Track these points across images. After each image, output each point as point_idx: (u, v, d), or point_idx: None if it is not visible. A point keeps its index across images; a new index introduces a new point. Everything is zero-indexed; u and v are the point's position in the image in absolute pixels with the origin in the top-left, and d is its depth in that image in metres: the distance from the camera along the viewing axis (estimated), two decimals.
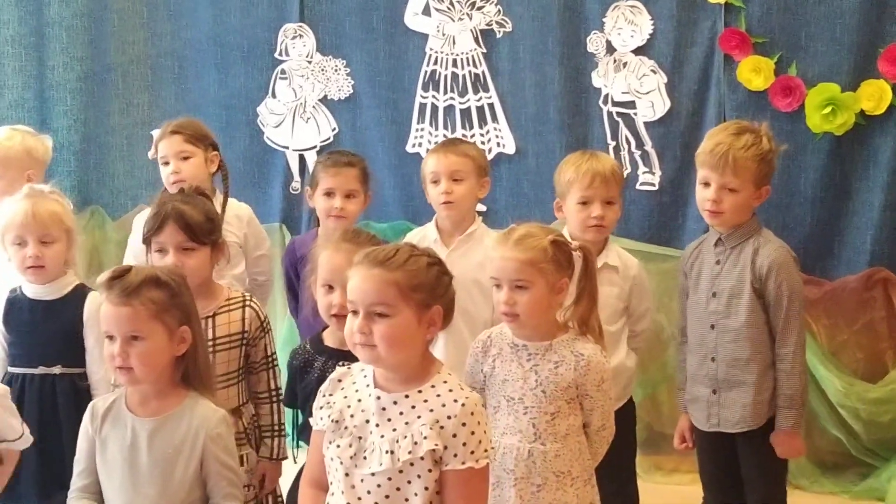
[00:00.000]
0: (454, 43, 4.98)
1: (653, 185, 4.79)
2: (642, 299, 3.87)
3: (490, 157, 4.96)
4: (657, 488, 4.71)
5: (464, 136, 4.97)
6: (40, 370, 3.46)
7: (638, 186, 4.81)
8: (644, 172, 4.80)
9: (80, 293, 3.50)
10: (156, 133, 4.28)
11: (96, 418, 2.84)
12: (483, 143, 4.96)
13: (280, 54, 5.24)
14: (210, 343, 3.32)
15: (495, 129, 4.99)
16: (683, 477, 4.76)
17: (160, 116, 5.11)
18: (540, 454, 3.09)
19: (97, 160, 5.51)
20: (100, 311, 2.79)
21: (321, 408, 2.67)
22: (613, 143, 4.81)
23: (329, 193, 4.08)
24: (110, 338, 2.76)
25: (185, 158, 4.13)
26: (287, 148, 5.28)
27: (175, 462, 2.78)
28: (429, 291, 2.58)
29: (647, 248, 4.78)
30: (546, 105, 4.90)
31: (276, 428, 3.45)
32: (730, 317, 3.60)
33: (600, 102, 4.82)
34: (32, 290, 3.52)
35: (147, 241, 3.39)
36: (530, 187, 4.97)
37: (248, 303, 3.42)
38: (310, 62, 5.19)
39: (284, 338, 5.05)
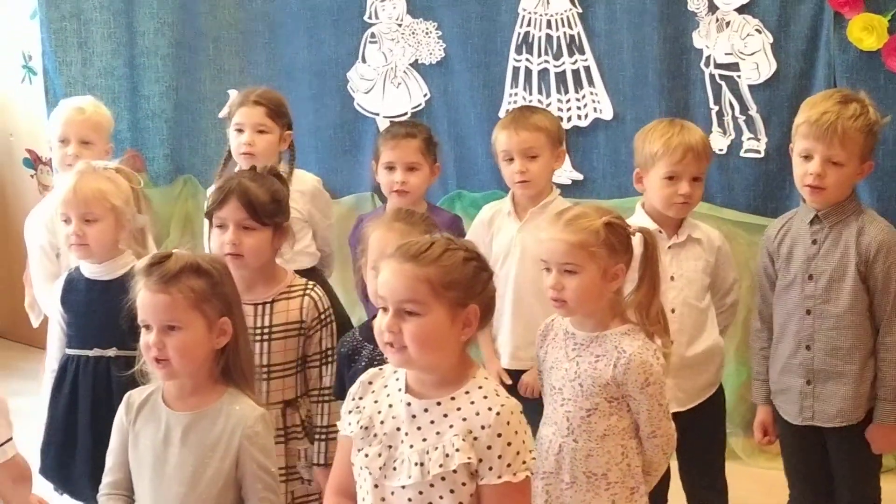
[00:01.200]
0: (548, 3, 4.73)
1: (758, 152, 4.48)
2: (729, 271, 3.61)
3: (586, 122, 4.75)
4: (760, 474, 4.43)
5: (559, 100, 4.75)
6: (95, 352, 3.37)
7: (742, 153, 4.50)
8: (749, 139, 4.49)
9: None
10: (233, 93, 4.15)
11: (131, 410, 2.72)
12: (579, 108, 4.73)
13: (370, 17, 5.07)
14: (266, 330, 3.19)
15: (591, 93, 4.74)
16: None
17: (252, 82, 4.98)
18: (570, 451, 2.89)
19: (189, 128, 5.44)
20: (138, 298, 2.65)
21: (350, 412, 2.50)
22: (716, 108, 4.51)
23: (390, 167, 3.90)
24: (146, 327, 2.62)
25: (262, 132, 4.02)
26: (378, 115, 5.11)
27: (208, 460, 2.62)
28: (464, 289, 2.38)
29: (751, 219, 4.49)
30: (644, 68, 4.62)
31: (325, 430, 3.25)
32: (829, 302, 3.30)
33: (702, 64, 4.51)
34: (89, 270, 3.44)
35: (209, 215, 3.27)
36: (629, 154, 4.62)
37: (308, 292, 3.25)
38: (400, 25, 5.01)
39: (362, 316, 4.90)
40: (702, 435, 3.48)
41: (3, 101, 5.85)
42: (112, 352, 3.36)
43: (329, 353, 3.27)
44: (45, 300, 4.15)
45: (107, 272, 3.42)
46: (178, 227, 5.39)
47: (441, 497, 2.34)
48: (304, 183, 4.13)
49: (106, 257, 3.41)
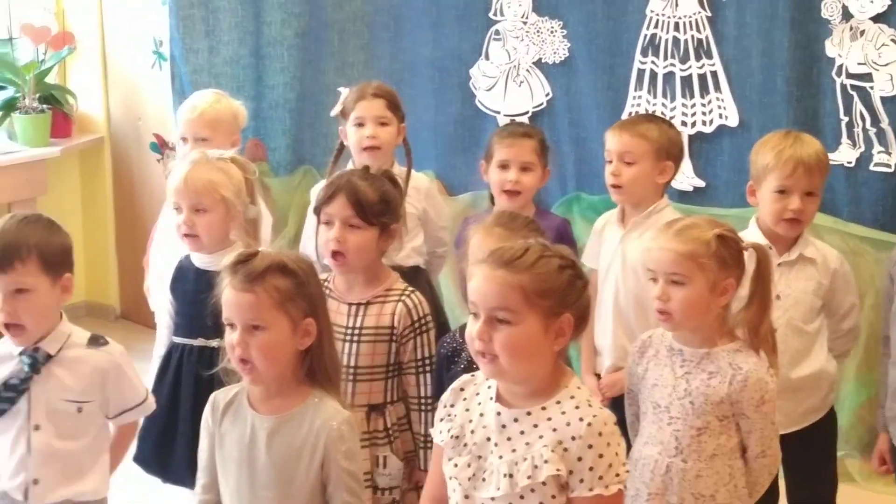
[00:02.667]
0: (677, 5, 4.61)
1: (888, 166, 4.31)
2: (847, 295, 3.47)
3: (711, 128, 4.61)
4: (876, 498, 4.28)
5: (684, 105, 4.64)
6: (199, 342, 3.40)
7: (871, 167, 4.32)
8: (879, 152, 4.31)
9: None
10: (344, 91, 4.14)
11: (217, 411, 2.70)
12: (704, 113, 4.61)
13: (495, 14, 5.00)
14: (357, 331, 3.17)
15: (718, 99, 4.61)
16: None
17: (374, 76, 4.98)
18: (678, 471, 2.81)
19: (311, 119, 5.45)
20: (222, 296, 2.63)
21: (441, 420, 2.46)
22: (846, 119, 4.35)
23: (504, 166, 3.84)
24: (231, 325, 2.60)
25: (383, 124, 3.99)
26: (499, 113, 5.05)
27: (295, 465, 2.59)
28: (559, 298, 2.32)
29: (878, 235, 4.31)
30: (773, 75, 4.47)
31: (419, 439, 3.23)
32: None
33: (833, 74, 4.35)
34: (199, 260, 3.47)
35: (317, 210, 3.26)
36: None
37: (403, 298, 3.21)
38: (525, 23, 4.94)
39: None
40: (806, 462, 3.37)
41: (133, 85, 5.94)
42: (217, 342, 3.32)
43: (427, 361, 3.22)
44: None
45: (216, 263, 3.36)
46: (297, 217, 5.39)
47: None
48: (418, 181, 4.11)
49: (216, 248, 3.41)
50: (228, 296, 2.60)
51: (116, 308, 6.26)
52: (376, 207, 3.20)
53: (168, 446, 3.39)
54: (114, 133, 6.09)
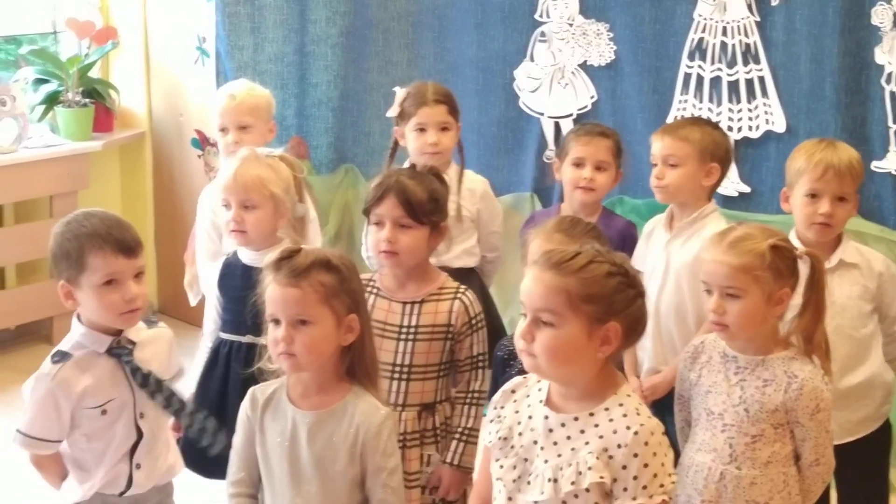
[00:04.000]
0: (725, 10, 4.59)
1: None
2: None
3: (757, 134, 4.60)
4: None
5: (730, 110, 4.62)
6: (248, 339, 3.39)
7: None
8: None
9: None
10: (399, 91, 4.14)
11: (256, 406, 2.71)
12: (751, 119, 4.59)
13: (541, 15, 4.99)
14: (412, 329, 3.17)
15: (765, 104, 4.59)
16: None
17: (418, 76, 4.99)
18: (733, 479, 2.80)
19: (354, 118, 5.44)
20: (266, 292, 2.64)
21: (491, 421, 2.46)
22: (894, 127, 4.32)
23: (578, 164, 3.85)
24: (275, 321, 2.61)
25: (445, 129, 4.00)
26: (542, 114, 5.04)
27: (335, 459, 2.61)
28: (605, 304, 2.31)
29: None
30: (822, 81, 4.45)
31: (465, 432, 3.22)
32: None
33: (882, 81, 4.32)
34: (247, 257, 3.48)
35: (367, 212, 3.26)
36: None
37: (458, 295, 3.22)
38: (571, 25, 4.92)
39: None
40: (858, 474, 3.34)
41: (176, 81, 5.95)
42: (264, 339, 3.36)
43: (480, 357, 3.23)
44: (206, 279, 4.21)
45: (263, 260, 3.41)
46: (337, 216, 5.41)
47: None
48: (474, 182, 4.10)
49: (264, 245, 3.42)
50: (273, 292, 2.61)
51: (154, 303, 6.27)
52: (426, 206, 3.20)
53: (216, 441, 3.38)
54: (155, 128, 6.11)
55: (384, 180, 3.25)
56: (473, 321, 3.21)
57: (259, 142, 4.12)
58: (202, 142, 5.85)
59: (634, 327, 2.37)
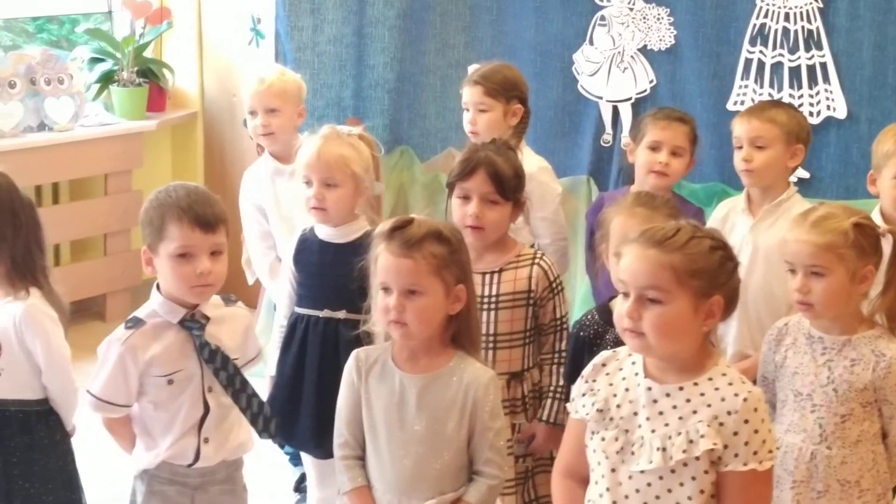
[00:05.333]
0: None
1: None
2: None
3: (818, 120, 4.61)
4: None
5: (791, 95, 4.63)
6: (325, 313, 3.42)
7: None
8: None
9: (368, 241, 3.42)
10: (471, 68, 4.17)
11: (361, 369, 2.75)
12: (811, 104, 4.60)
13: (601, 0, 5.01)
14: (493, 299, 3.20)
15: (826, 90, 4.61)
16: None
17: (475, 59, 5.00)
18: (824, 458, 2.82)
19: (410, 100, 5.47)
20: (377, 261, 2.68)
21: (583, 394, 2.48)
22: None
23: (654, 147, 3.84)
24: (386, 290, 2.65)
25: (482, 111, 4.01)
26: (601, 98, 5.07)
27: (445, 421, 2.65)
28: (709, 278, 2.33)
29: None
30: (885, 67, 4.48)
31: (557, 391, 3.26)
32: None
33: None
34: (323, 233, 3.50)
35: (451, 186, 3.30)
36: (860, 156, 4.55)
37: (537, 260, 3.27)
38: (631, 9, 4.95)
39: (583, 297, 4.87)
40: None
41: (229, 62, 5.97)
42: (342, 314, 3.40)
43: (562, 319, 3.29)
44: (257, 259, 4.24)
45: (341, 236, 3.46)
46: (392, 197, 5.43)
47: (681, 484, 2.31)
48: (530, 165, 4.08)
49: (342, 222, 3.45)
50: (386, 261, 2.64)
51: None
52: (512, 182, 3.26)
53: (293, 415, 3.42)
54: (207, 108, 6.13)
55: (472, 155, 3.28)
56: (554, 284, 3.26)
57: (287, 126, 4.20)
58: None
59: (733, 299, 2.40)
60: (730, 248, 2.41)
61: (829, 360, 2.84)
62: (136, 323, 2.88)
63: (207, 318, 2.91)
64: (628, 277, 2.36)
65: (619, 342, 2.91)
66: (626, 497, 2.35)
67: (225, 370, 2.90)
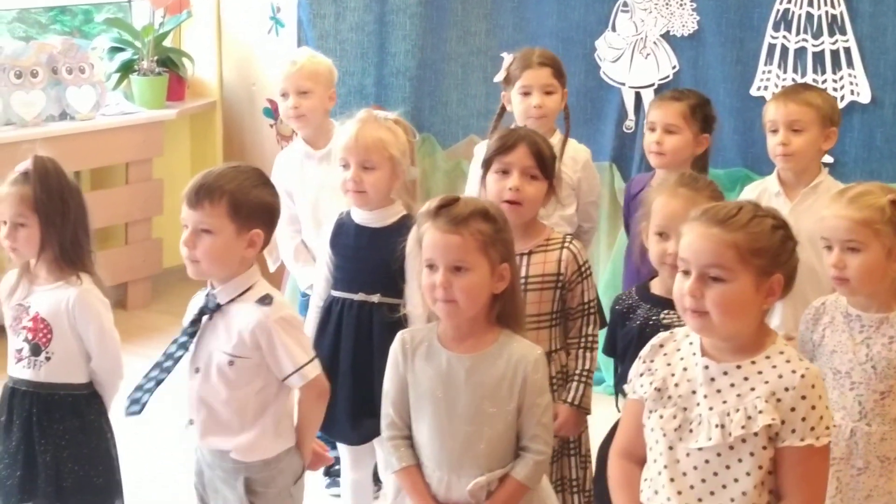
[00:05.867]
0: None
1: None
2: None
3: (841, 105, 4.59)
4: None
5: (814, 80, 4.64)
6: (360, 296, 3.44)
7: None
8: None
9: (405, 224, 3.43)
10: (507, 56, 4.17)
11: (406, 350, 2.77)
12: (835, 89, 4.61)
13: None
14: (522, 281, 3.21)
15: (850, 75, 4.62)
16: None
17: (496, 46, 5.04)
18: (864, 435, 2.86)
19: (431, 87, 5.47)
20: (422, 239, 2.69)
21: (641, 374, 2.50)
22: None
23: (651, 128, 3.90)
24: (431, 267, 2.67)
25: (549, 93, 4.04)
26: (623, 84, 5.08)
27: (493, 398, 2.67)
28: (771, 257, 2.35)
29: None
30: None
31: (583, 375, 3.30)
32: None
33: None
34: (360, 217, 3.51)
35: (488, 162, 3.33)
36: (884, 141, 4.58)
37: (566, 244, 3.30)
38: None
39: (607, 282, 4.89)
40: None
41: (249, 51, 5.99)
42: (377, 297, 3.43)
43: (591, 304, 3.32)
44: (283, 242, 4.27)
45: (377, 220, 3.48)
46: None
47: (740, 460, 2.33)
48: (577, 151, 4.12)
49: (379, 205, 3.47)
50: (433, 237, 2.66)
51: None
52: (550, 162, 3.31)
53: (330, 401, 3.42)
54: (226, 97, 6.15)
55: (511, 132, 3.33)
56: (582, 269, 3.29)
57: (318, 108, 4.23)
58: (275, 111, 5.87)
59: (792, 278, 2.41)
60: (790, 228, 2.42)
61: (867, 337, 2.87)
62: None
63: (218, 305, 2.89)
64: (690, 256, 2.37)
65: (648, 318, 2.99)
66: (685, 474, 2.37)
67: (177, 343, 2.91)
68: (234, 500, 2.91)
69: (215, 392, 2.89)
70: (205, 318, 2.90)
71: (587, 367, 3.30)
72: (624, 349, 3.08)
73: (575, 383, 3.30)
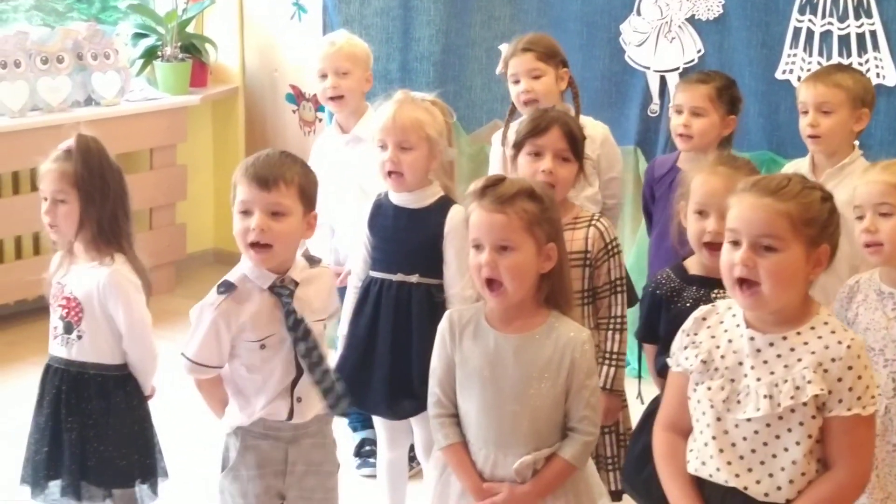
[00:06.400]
0: None
1: None
2: None
3: None
4: None
5: (840, 63, 4.66)
6: (398, 277, 3.46)
7: None
8: None
9: (443, 205, 3.47)
10: (504, 48, 4.21)
11: (454, 330, 2.78)
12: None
13: None
14: None
15: (876, 58, 4.63)
16: None
17: (521, 31, 5.00)
18: None
19: (456, 72, 5.49)
20: (469, 219, 2.71)
21: (685, 347, 2.52)
22: None
23: (678, 111, 3.94)
24: (477, 247, 2.68)
25: (537, 77, 4.05)
26: (648, 68, 5.09)
27: (542, 379, 2.68)
28: (821, 228, 2.39)
29: None
30: None
31: (615, 357, 3.32)
32: None
33: None
34: (397, 198, 3.53)
35: (520, 144, 3.35)
36: None
37: (594, 222, 3.34)
38: None
39: (631, 265, 4.91)
40: None
41: (271, 37, 6.02)
42: (415, 278, 3.45)
43: (619, 282, 3.35)
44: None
45: (415, 201, 3.50)
46: None
47: (789, 430, 2.36)
48: (594, 128, 4.13)
49: (417, 186, 3.49)
50: (479, 217, 2.68)
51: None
52: (580, 144, 3.35)
53: (366, 378, 3.46)
54: (248, 83, 6.18)
55: (544, 114, 3.36)
56: (610, 246, 3.32)
57: (356, 89, 4.27)
58: (297, 97, 5.92)
59: (835, 250, 2.45)
60: (834, 201, 2.46)
61: None
62: (228, 288, 2.89)
63: (296, 283, 2.92)
64: (741, 226, 2.39)
65: (698, 298, 2.98)
66: (734, 444, 2.40)
67: (304, 342, 2.91)
68: (325, 462, 3.02)
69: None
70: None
71: (616, 349, 3.33)
72: (672, 333, 3.07)
73: (605, 367, 3.32)
